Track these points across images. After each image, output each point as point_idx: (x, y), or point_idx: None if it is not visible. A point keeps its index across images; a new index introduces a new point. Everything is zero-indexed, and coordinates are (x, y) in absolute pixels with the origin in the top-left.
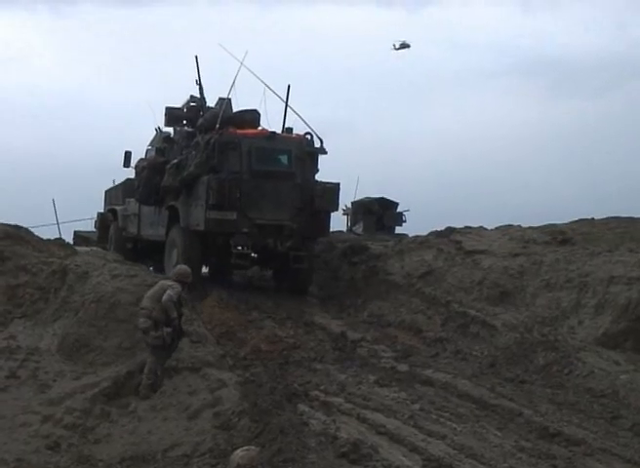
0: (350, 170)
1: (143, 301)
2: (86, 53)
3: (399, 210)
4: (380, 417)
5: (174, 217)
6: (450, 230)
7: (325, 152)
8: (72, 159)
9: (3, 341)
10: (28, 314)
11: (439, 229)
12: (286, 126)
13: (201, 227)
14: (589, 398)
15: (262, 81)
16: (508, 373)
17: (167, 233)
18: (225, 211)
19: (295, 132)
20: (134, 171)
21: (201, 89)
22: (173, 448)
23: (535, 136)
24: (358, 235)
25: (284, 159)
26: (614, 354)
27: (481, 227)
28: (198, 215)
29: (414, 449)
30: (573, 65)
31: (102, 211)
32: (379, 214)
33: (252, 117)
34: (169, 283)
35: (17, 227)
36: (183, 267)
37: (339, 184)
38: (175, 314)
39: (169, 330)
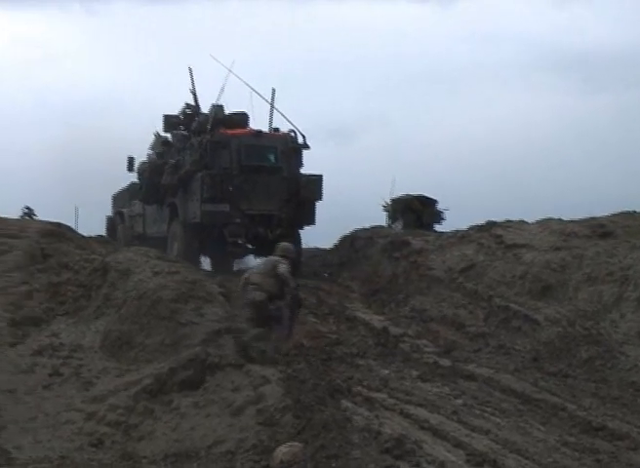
0: (386, 165)
1: (252, 278)
2: (120, 50)
3: (438, 207)
4: (423, 412)
5: (174, 213)
6: (490, 224)
7: (308, 147)
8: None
9: (46, 339)
10: (71, 311)
11: (479, 223)
12: (273, 126)
13: (197, 219)
14: (633, 392)
15: (249, 86)
16: (551, 368)
17: (168, 228)
18: (218, 203)
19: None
20: (137, 176)
21: (195, 97)
22: (216, 444)
23: (571, 128)
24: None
25: (271, 155)
26: None
27: (521, 221)
28: (194, 209)
29: (457, 445)
30: (606, 58)
31: (111, 214)
32: (418, 211)
33: (241, 119)
34: (275, 258)
35: (58, 225)
36: (286, 243)
37: (321, 176)
38: (294, 283)
39: (286, 301)
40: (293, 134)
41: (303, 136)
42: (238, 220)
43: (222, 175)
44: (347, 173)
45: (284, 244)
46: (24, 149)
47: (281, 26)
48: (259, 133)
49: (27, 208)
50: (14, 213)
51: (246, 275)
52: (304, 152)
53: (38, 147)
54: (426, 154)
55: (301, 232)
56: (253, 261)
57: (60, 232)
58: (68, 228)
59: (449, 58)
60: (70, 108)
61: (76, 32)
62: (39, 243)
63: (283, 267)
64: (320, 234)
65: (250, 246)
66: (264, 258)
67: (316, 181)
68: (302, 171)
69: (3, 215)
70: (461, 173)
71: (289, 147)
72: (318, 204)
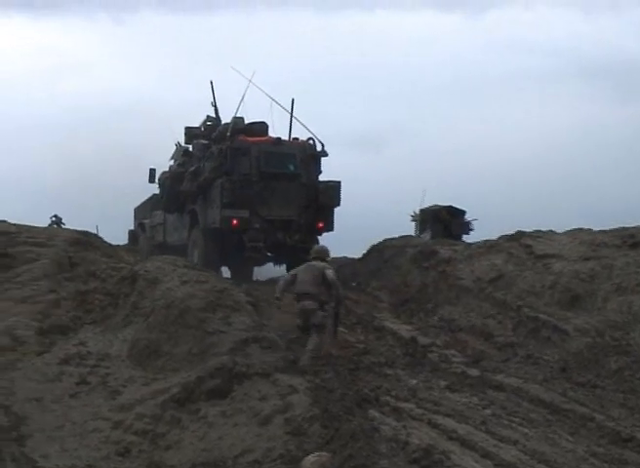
0: (413, 173)
1: (304, 287)
2: (147, 59)
3: (467, 218)
4: (451, 423)
5: (194, 220)
6: (520, 234)
7: (326, 154)
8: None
9: (73, 348)
10: (98, 320)
11: (508, 233)
12: (292, 136)
13: (217, 225)
14: None
15: (270, 96)
16: (580, 378)
17: (189, 236)
18: (238, 209)
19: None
20: (158, 186)
21: (216, 110)
22: (244, 454)
23: (600, 138)
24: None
25: (290, 162)
26: None
27: (551, 231)
28: (214, 215)
29: (485, 455)
30: (635, 67)
31: (132, 228)
32: (446, 221)
33: (260, 128)
34: (321, 264)
35: (85, 233)
36: (320, 245)
37: (340, 182)
38: (342, 289)
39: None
40: (312, 141)
41: (322, 144)
42: (257, 226)
43: (242, 182)
44: (374, 181)
45: (319, 246)
46: (49, 158)
47: (306, 35)
48: (278, 140)
49: (55, 216)
50: (41, 221)
51: (298, 287)
52: (324, 160)
53: (62, 158)
54: (454, 163)
55: (327, 242)
56: (272, 269)
57: (87, 241)
58: (96, 236)
59: (476, 67)
60: (95, 117)
61: (103, 42)
62: (67, 251)
63: (331, 273)
64: (348, 243)
65: (269, 253)
66: (306, 265)
67: (335, 188)
68: (321, 178)
69: (31, 224)
70: (488, 182)
71: (307, 154)
72: (345, 213)
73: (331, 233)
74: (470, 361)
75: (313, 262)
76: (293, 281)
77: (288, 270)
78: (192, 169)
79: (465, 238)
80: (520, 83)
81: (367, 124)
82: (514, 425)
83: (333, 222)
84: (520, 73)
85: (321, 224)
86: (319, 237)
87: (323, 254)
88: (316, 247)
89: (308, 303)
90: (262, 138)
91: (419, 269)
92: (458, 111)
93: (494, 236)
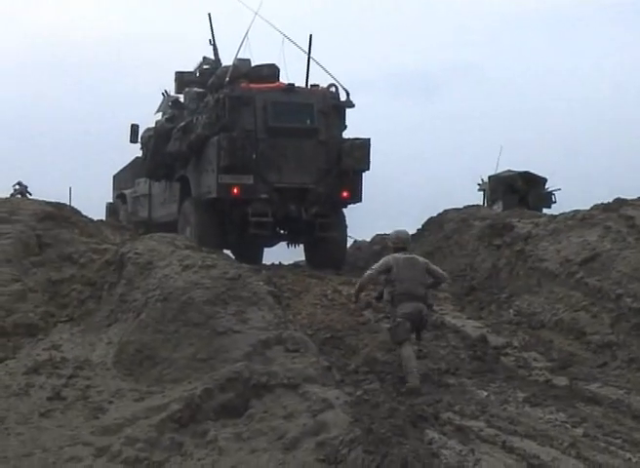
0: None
1: (413, 288)
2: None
3: (548, 188)
4: (532, 446)
5: (185, 190)
6: (619, 202)
7: (352, 105)
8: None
9: (44, 353)
10: (76, 317)
11: (605, 202)
12: (311, 82)
13: (213, 194)
14: None
15: (281, 31)
16: None
17: (179, 209)
18: (240, 174)
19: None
20: (140, 147)
21: (215, 49)
22: None
23: None
24: None
25: (305, 114)
26: None
27: None
28: (210, 182)
29: None
30: None
31: (111, 200)
32: (522, 192)
33: (270, 72)
34: (420, 258)
35: (58, 205)
36: (402, 230)
37: (369, 140)
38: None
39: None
40: (334, 89)
41: (347, 92)
42: (264, 196)
43: (244, 140)
44: (424, 138)
45: (400, 232)
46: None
47: None
48: (290, 87)
49: (19, 184)
50: (2, 190)
51: (404, 285)
52: (350, 112)
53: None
54: (531, 116)
55: (356, 216)
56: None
57: (60, 215)
58: (72, 209)
59: None
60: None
61: None
62: (34, 229)
63: (435, 268)
64: (396, 216)
65: (280, 230)
66: (404, 257)
67: (363, 147)
68: (346, 134)
69: None
70: (575, 141)
71: (328, 105)
72: (388, 178)
73: (359, 204)
74: (556, 366)
75: (412, 255)
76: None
77: (305, 251)
78: (183, 124)
79: (546, 211)
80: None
81: (413, 64)
82: (613, 448)
83: (361, 191)
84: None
85: (345, 193)
86: (344, 209)
87: (406, 244)
88: (397, 233)
89: (422, 306)
90: (271, 85)
91: (489, 248)
92: (530, 47)
93: (585, 207)
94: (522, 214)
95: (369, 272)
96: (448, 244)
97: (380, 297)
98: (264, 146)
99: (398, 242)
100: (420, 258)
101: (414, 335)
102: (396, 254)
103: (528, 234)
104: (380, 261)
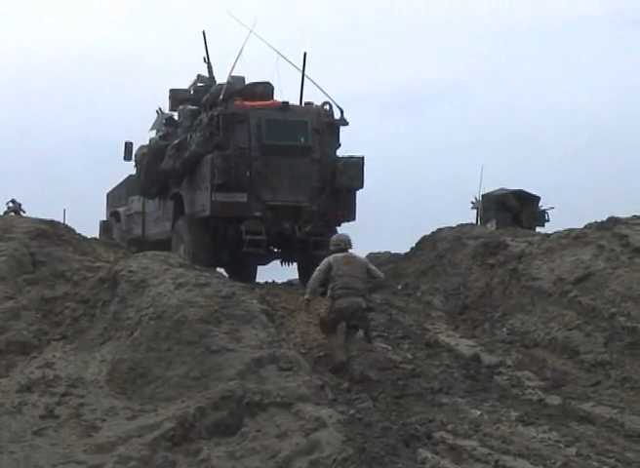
0: (468, 148)
1: (351, 282)
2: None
3: (541, 206)
4: (525, 465)
5: (179, 208)
6: (613, 221)
7: (346, 123)
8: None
9: (37, 371)
10: (69, 335)
11: (599, 220)
12: (305, 100)
13: (207, 213)
14: None
15: (275, 50)
16: None
17: (173, 227)
18: (234, 192)
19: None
20: (134, 164)
21: (209, 67)
22: None
23: None
24: None
25: (299, 132)
26: None
27: None
28: (203, 200)
29: None
30: None
31: (105, 218)
32: (516, 210)
33: (264, 90)
34: (363, 259)
35: (52, 223)
36: (341, 234)
37: (363, 158)
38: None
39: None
40: (328, 107)
41: (341, 110)
42: (258, 214)
43: (238, 158)
44: (414, 156)
45: (341, 235)
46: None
47: None
48: (284, 105)
49: (13, 201)
50: None
51: (343, 280)
52: (344, 130)
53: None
54: (518, 131)
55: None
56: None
57: (54, 233)
58: (66, 227)
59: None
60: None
61: None
62: (28, 246)
63: (373, 268)
64: (391, 236)
65: (273, 248)
66: (342, 255)
67: (356, 165)
68: (340, 152)
69: None
70: (569, 157)
71: (322, 123)
72: (380, 196)
73: (352, 223)
74: (549, 385)
75: (350, 253)
76: (327, 273)
77: (299, 270)
78: (177, 142)
79: (539, 231)
80: (599, 27)
81: (402, 82)
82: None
83: (354, 209)
84: (598, 16)
85: (339, 212)
86: (337, 228)
87: (347, 245)
88: (338, 236)
89: (361, 300)
90: (265, 103)
91: (482, 267)
92: (521, 65)
93: (578, 225)
94: (516, 233)
95: (314, 274)
96: (441, 262)
97: (325, 293)
98: (258, 164)
99: (339, 243)
100: (361, 257)
101: (350, 329)
102: (336, 254)
103: (521, 253)
104: (323, 262)
